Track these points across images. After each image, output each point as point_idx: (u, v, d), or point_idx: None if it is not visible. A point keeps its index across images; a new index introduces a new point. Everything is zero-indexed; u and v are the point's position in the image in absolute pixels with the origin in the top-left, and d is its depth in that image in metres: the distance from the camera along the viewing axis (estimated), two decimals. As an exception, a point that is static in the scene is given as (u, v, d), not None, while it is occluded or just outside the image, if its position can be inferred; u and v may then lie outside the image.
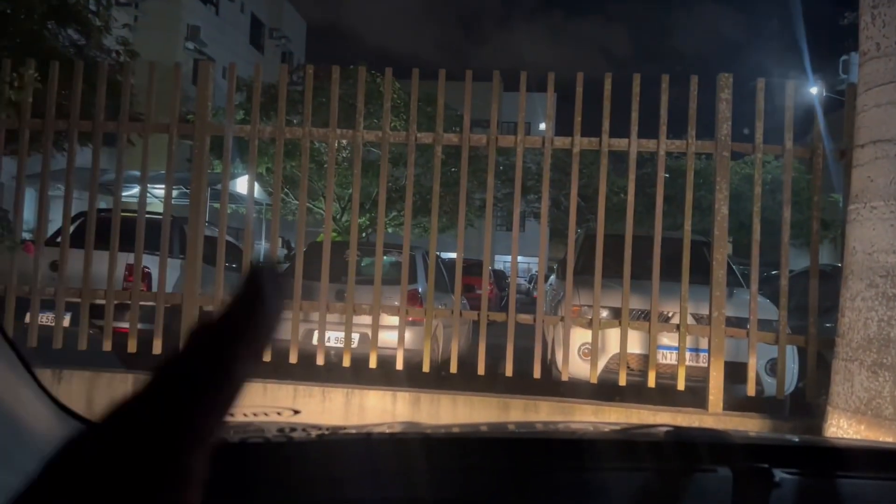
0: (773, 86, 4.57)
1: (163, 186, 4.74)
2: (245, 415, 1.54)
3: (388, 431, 1.33)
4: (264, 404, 4.26)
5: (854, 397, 3.01)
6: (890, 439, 2.82)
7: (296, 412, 1.35)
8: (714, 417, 4.13)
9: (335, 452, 1.26)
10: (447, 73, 4.57)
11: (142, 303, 4.66)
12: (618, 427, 1.52)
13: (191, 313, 4.52)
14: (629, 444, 1.42)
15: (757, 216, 4.27)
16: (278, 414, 1.35)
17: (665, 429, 1.42)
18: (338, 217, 15.58)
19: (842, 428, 3.06)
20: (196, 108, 4.68)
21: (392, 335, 4.72)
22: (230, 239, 6.68)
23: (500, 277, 21.18)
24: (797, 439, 1.63)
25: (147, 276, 6.19)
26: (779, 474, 1.22)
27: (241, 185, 12.17)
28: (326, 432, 1.26)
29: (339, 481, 1.17)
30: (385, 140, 4.56)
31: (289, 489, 1.15)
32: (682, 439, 1.38)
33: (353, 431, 1.34)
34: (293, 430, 1.25)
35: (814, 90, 14.68)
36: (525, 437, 1.53)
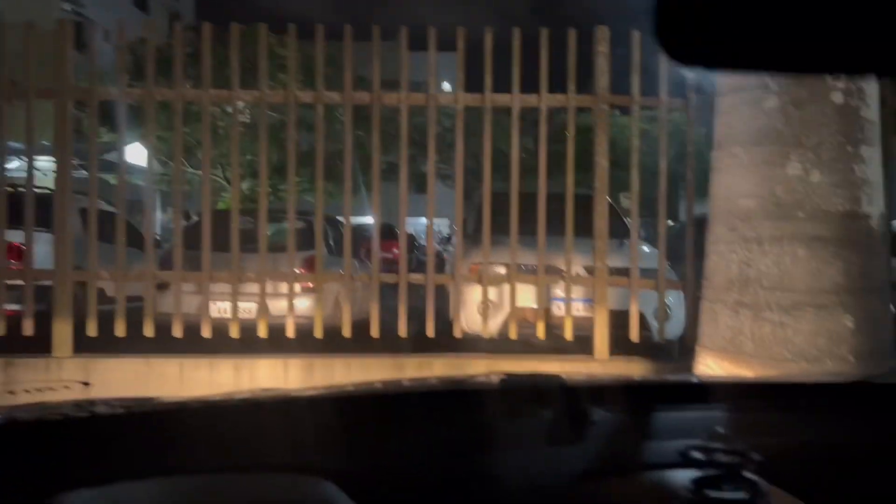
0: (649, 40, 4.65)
1: (48, 159, 4.44)
2: (28, 391, 1.43)
3: (204, 400, 1.27)
4: (148, 379, 4.12)
5: (719, 336, 3.15)
6: (750, 374, 2.97)
7: (85, 384, 1.27)
8: (599, 363, 4.27)
9: (150, 424, 1.20)
10: (333, 34, 4.45)
11: (10, 282, 4.37)
12: (455, 378, 1.52)
13: (63, 288, 4.28)
14: (460, 393, 1.42)
15: (635, 168, 4.39)
16: (66, 388, 1.26)
17: (498, 377, 1.42)
18: (224, 184, 15.15)
19: (709, 366, 3.21)
20: (55, 69, 4.37)
21: (285, 302, 4.61)
22: (110, 209, 6.32)
23: (409, 241, 21.20)
24: (630, 377, 1.69)
25: (17, 252, 5.81)
26: (598, 413, 1.24)
27: (130, 155, 11.58)
28: (134, 405, 1.19)
29: (154, 452, 1.11)
30: (262, 100, 4.41)
31: (96, 466, 1.08)
32: (513, 385, 1.39)
33: (168, 401, 1.28)
34: (93, 404, 1.17)
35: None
36: (352, 395, 1.51)
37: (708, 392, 1.45)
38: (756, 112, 3.04)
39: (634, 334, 4.42)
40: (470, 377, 1.44)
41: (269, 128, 4.57)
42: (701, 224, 4.55)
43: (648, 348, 4.94)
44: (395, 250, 17.35)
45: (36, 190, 4.41)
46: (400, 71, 4.53)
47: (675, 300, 5.10)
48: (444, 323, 4.61)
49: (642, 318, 4.62)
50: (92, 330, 4.28)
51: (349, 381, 1.51)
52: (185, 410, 1.25)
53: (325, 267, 4.66)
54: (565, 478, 1.16)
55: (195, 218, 7.26)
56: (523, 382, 1.36)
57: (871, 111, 2.98)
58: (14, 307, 4.49)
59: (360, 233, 7.81)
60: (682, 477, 0.97)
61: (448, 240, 9.67)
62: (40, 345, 4.27)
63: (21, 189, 4.53)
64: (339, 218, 8.74)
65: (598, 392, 1.41)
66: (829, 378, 2.44)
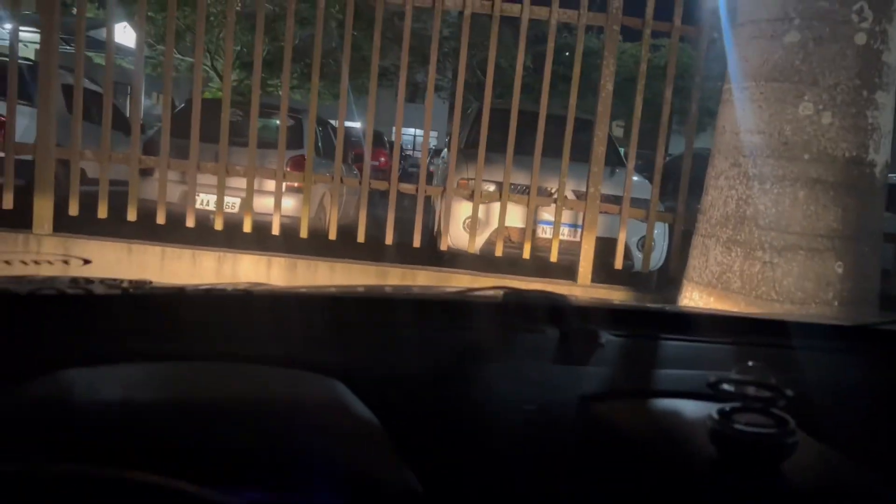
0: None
1: (32, 30, 4.22)
2: (25, 262, 1.36)
3: (201, 288, 1.23)
4: (129, 265, 4.07)
5: (707, 271, 3.16)
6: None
7: (86, 262, 1.21)
8: (582, 288, 4.29)
9: (147, 307, 1.16)
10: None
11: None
12: (462, 289, 1.50)
13: (45, 164, 4.16)
14: (466, 304, 1.40)
15: (640, 95, 4.29)
16: (65, 263, 1.21)
17: (503, 290, 1.40)
18: (215, 72, 14.71)
19: (693, 300, 3.23)
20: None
21: (272, 200, 4.53)
22: (96, 88, 6.11)
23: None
24: (634, 305, 1.68)
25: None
26: (606, 336, 1.23)
27: (120, 34, 11.15)
28: (130, 286, 1.15)
29: (148, 335, 1.08)
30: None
31: (88, 346, 1.04)
32: (518, 301, 1.37)
33: (166, 286, 1.24)
34: (90, 282, 1.13)
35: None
36: (363, 296, 1.48)
37: (719, 324, 1.44)
38: (774, 45, 2.95)
39: (619, 262, 4.44)
40: (475, 289, 1.42)
41: (263, 18, 4.37)
42: (696, 159, 4.53)
43: (629, 277, 4.98)
44: (383, 158, 17.19)
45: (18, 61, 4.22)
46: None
47: (659, 232, 5.12)
48: (428, 236, 4.58)
49: (626, 248, 4.64)
50: (73, 209, 4.20)
51: (354, 284, 1.48)
52: (182, 296, 1.21)
53: (312, 168, 4.57)
54: (573, 397, 1.15)
55: (181, 105, 7.04)
56: (530, 298, 1.34)
57: (893, 56, 2.90)
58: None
59: (349, 137, 7.65)
60: (706, 407, 0.96)
61: (438, 153, 9.52)
62: (20, 220, 4.19)
63: (3, 58, 4.35)
64: (329, 121, 8.56)
65: (607, 314, 1.39)
66: (833, 320, 2.46)
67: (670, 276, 4.43)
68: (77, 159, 4.21)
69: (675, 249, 4.42)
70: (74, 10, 7.14)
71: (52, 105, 4.18)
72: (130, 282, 1.16)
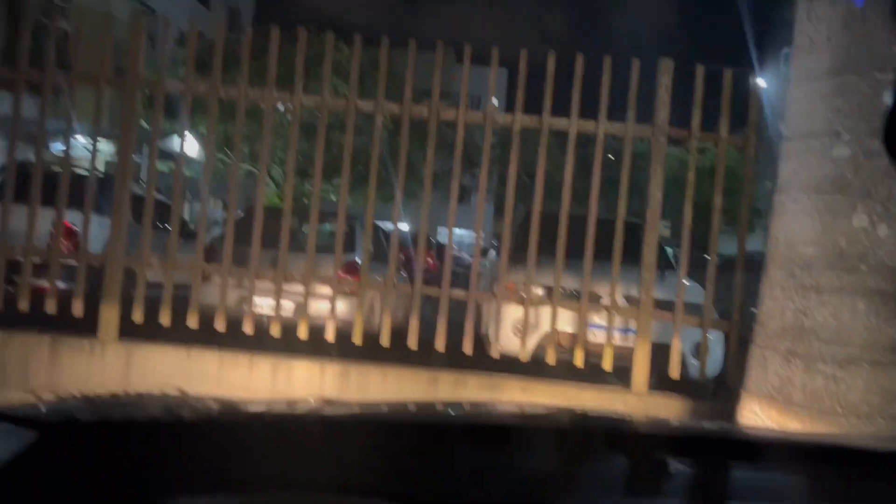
0: (715, 74, 4.61)
1: (99, 141, 4.53)
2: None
3: (289, 409, 1.28)
4: (188, 370, 4.17)
5: (767, 383, 3.10)
6: (798, 425, 2.91)
7: (184, 394, 1.29)
8: (637, 397, 4.22)
9: (231, 432, 1.21)
10: (402, 43, 4.50)
11: (63, 261, 4.47)
12: (528, 409, 1.51)
13: (114, 273, 4.36)
14: (533, 427, 1.41)
15: (689, 203, 4.35)
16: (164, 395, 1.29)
17: (571, 413, 1.41)
18: (279, 182, 15.30)
19: (754, 412, 3.15)
20: (128, 60, 4.47)
21: (326, 305, 4.64)
22: (163, 198, 6.46)
23: (442, 251, 21.23)
24: (704, 427, 1.66)
25: (73, 234, 5.95)
26: (673, 465, 1.22)
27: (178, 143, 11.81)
28: (219, 411, 1.20)
29: (236, 461, 1.12)
30: (324, 106, 4.47)
31: (180, 471, 1.09)
32: (587, 425, 1.38)
33: (254, 409, 1.29)
34: (181, 408, 1.19)
35: (755, 80, 14.92)
36: (428, 420, 1.51)
37: (790, 450, 1.41)
38: (824, 160, 2.99)
39: (675, 371, 4.37)
40: (537, 408, 1.43)
41: (314, 129, 4.62)
42: (749, 263, 4.51)
43: (685, 385, 4.88)
44: (430, 260, 17.42)
45: (83, 171, 4.52)
46: (454, 85, 4.56)
47: (714, 339, 5.04)
48: (475, 336, 4.59)
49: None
50: (138, 317, 4.35)
51: (411, 395, 1.51)
52: (261, 420, 1.26)
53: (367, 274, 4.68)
54: None
55: (240, 213, 7.35)
56: (596, 422, 1.35)
57: (946, 169, 2.91)
58: (64, 286, 4.58)
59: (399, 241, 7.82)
60: None
61: (483, 253, 9.61)
62: (83, 325, 4.35)
63: (79, 170, 4.66)
64: (379, 224, 8.81)
65: (674, 441, 1.38)
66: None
67: (728, 386, 4.34)
68: (144, 268, 4.41)
69: (732, 356, 4.34)
70: (144, 123, 7.64)
71: (125, 217, 4.42)
72: (216, 401, 1.21)
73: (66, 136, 4.50)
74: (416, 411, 1.65)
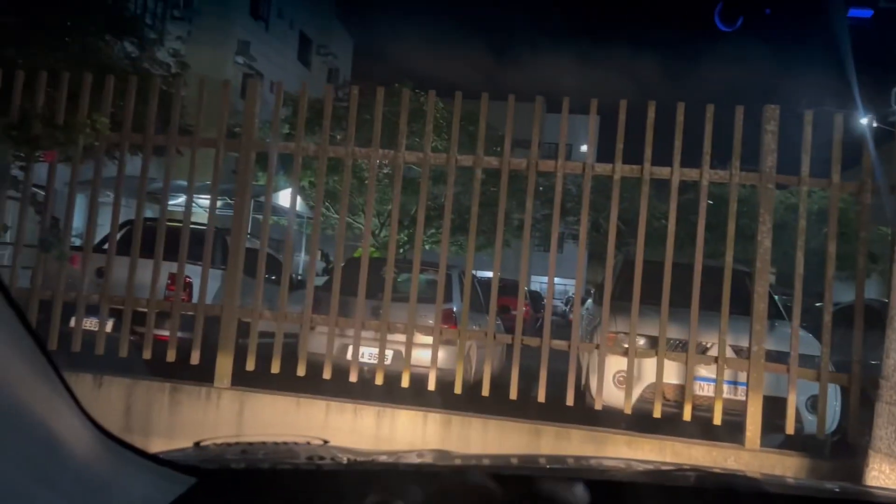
0: (822, 116, 4.49)
1: (209, 197, 4.84)
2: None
3: (417, 461, 1.33)
4: (297, 417, 4.30)
5: (897, 442, 2.91)
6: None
7: (325, 442, 1.35)
8: (750, 454, 4.04)
9: (364, 481, 1.27)
10: (489, 96, 4.65)
11: (182, 312, 4.75)
12: (647, 467, 1.50)
13: (229, 324, 4.59)
14: (657, 486, 1.40)
15: (801, 250, 4.19)
16: (308, 444, 1.37)
17: (694, 473, 1.39)
18: (376, 232, 15.71)
19: (884, 472, 2.97)
20: (243, 124, 4.78)
21: (426, 353, 4.71)
22: (270, 251, 6.78)
23: (535, 298, 21.10)
24: (833, 489, 1.58)
25: (188, 286, 6.31)
26: None
27: (284, 198, 12.37)
28: (354, 460, 1.26)
29: None
30: (426, 162, 4.61)
31: None
32: (713, 485, 1.36)
33: (383, 459, 1.35)
34: (322, 458, 1.26)
35: (864, 122, 14.30)
36: (552, 474, 1.52)
37: None
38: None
39: (791, 426, 4.16)
40: (649, 464, 1.42)
41: (412, 182, 4.76)
42: (869, 312, 4.28)
43: (799, 441, 4.63)
44: (525, 308, 17.37)
45: (197, 226, 4.83)
46: (556, 137, 4.61)
47: (830, 392, 4.78)
48: (561, 388, 4.52)
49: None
50: (251, 365, 4.55)
51: (513, 446, 1.51)
52: (395, 469, 1.31)
53: (460, 321, 4.73)
54: None
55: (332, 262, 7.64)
56: (720, 482, 1.32)
57: None
58: (181, 335, 4.86)
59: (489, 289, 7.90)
60: None
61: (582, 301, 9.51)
62: (199, 372, 4.59)
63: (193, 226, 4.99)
64: (475, 273, 8.92)
65: (801, 501, 1.34)
66: None
67: (849, 443, 4.09)
68: (257, 319, 4.62)
69: (854, 413, 4.10)
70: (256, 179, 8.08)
71: (239, 270, 4.67)
72: (356, 454, 1.27)
73: (187, 194, 4.81)
74: (530, 465, 1.66)
